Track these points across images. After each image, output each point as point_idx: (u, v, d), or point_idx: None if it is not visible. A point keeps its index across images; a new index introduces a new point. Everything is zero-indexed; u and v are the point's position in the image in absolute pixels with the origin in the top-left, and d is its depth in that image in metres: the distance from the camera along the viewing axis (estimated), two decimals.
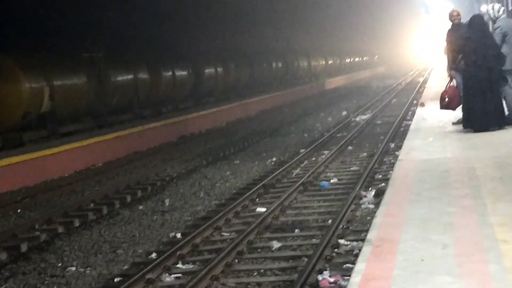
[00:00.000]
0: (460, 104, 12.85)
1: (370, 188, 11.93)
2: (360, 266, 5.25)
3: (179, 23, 30.31)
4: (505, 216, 6.25)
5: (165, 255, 8.81)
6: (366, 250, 5.64)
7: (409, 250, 5.49)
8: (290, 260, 8.58)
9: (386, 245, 5.70)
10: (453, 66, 12.63)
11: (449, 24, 13.97)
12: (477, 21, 12.08)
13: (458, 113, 13.81)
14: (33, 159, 16.33)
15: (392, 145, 16.68)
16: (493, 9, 13.03)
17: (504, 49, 12.10)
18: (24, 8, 20.79)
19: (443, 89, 13.28)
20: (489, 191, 7.29)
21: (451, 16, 13.59)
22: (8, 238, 10.94)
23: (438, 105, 13.51)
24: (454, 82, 13.01)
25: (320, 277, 7.57)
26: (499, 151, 9.82)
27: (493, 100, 11.79)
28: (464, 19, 14.71)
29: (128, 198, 13.54)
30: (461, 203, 6.89)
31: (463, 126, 12.24)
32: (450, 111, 13.92)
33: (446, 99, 12.90)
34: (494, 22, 12.61)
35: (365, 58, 74.91)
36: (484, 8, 14.29)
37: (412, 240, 5.75)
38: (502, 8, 13.21)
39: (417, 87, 37.56)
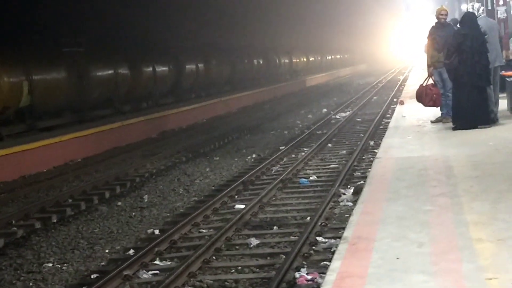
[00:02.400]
0: (431, 102, 13.04)
1: (349, 186, 11.95)
2: (335, 264, 5.26)
3: (161, 18, 30.24)
4: (481, 215, 6.30)
5: (142, 252, 8.78)
6: (342, 248, 5.66)
7: (384, 248, 5.51)
8: (268, 257, 8.58)
9: (362, 243, 5.71)
10: (446, 61, 12.60)
11: (432, 21, 13.96)
12: (471, 19, 12.16)
13: (436, 111, 13.92)
14: (11, 154, 16.21)
15: (372, 143, 16.72)
16: (472, 8, 13.11)
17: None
18: (3, 2, 20.64)
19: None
20: (466, 190, 7.34)
21: (439, 14, 13.54)
22: None
23: (417, 102, 13.67)
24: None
25: (297, 275, 7.58)
26: (477, 150, 9.88)
27: (488, 96, 11.97)
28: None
29: (107, 194, 13.49)
30: (438, 202, 6.93)
31: (453, 122, 12.29)
32: (429, 108, 14.08)
33: (422, 95, 13.12)
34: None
35: (346, 55, 75.08)
36: (464, 7, 14.38)
37: (388, 238, 5.78)
38: (482, 8, 13.30)
39: (397, 85, 37.69)
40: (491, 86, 12.47)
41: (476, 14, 12.83)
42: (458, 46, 11.90)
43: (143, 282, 8.12)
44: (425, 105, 13.39)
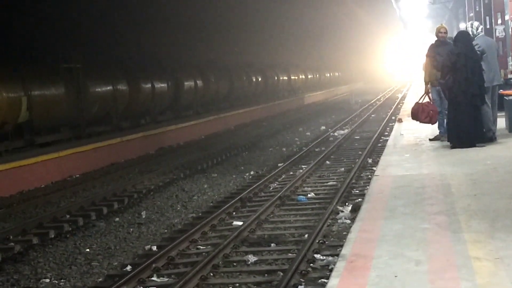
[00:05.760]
0: (427, 119, 13.08)
1: (347, 203, 11.95)
2: (333, 282, 5.26)
3: (160, 35, 30.33)
4: (479, 233, 6.30)
5: (140, 268, 8.77)
6: (340, 265, 5.66)
7: (382, 266, 5.51)
8: (266, 275, 8.57)
9: (360, 261, 5.71)
10: (441, 81, 12.63)
11: (430, 40, 13.99)
12: (464, 37, 12.21)
13: (435, 130, 13.95)
14: (9, 169, 16.21)
15: (370, 161, 16.73)
16: (471, 26, 13.17)
17: (482, 67, 12.25)
18: (1, 18, 20.71)
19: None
20: (463, 208, 7.34)
21: (438, 32, 13.58)
22: None
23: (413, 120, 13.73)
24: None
25: None
26: (474, 168, 9.89)
27: (483, 115, 12.00)
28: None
29: (105, 210, 13.48)
30: (435, 220, 6.93)
31: (449, 141, 12.31)
32: (427, 127, 14.12)
33: (418, 111, 13.15)
34: (472, 39, 12.73)
35: (344, 73, 75.23)
36: (462, 25, 14.43)
37: (385, 256, 5.78)
38: (480, 26, 13.36)
39: (396, 103, 37.76)
40: (489, 105, 12.51)
41: (475, 32, 12.89)
42: (452, 65, 11.95)
43: None
44: (421, 121, 13.43)
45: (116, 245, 10.96)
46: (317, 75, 59.18)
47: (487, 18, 21.82)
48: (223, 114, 31.81)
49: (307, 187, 14.26)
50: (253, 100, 39.47)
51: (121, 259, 10.09)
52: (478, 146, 11.87)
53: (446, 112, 13.01)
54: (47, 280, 9.28)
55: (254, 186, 14.26)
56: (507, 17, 20.46)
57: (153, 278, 8.73)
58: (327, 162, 17.65)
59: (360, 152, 18.66)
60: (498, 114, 13.54)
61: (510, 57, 19.97)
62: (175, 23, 31.18)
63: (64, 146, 19.65)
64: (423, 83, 13.86)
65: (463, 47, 11.96)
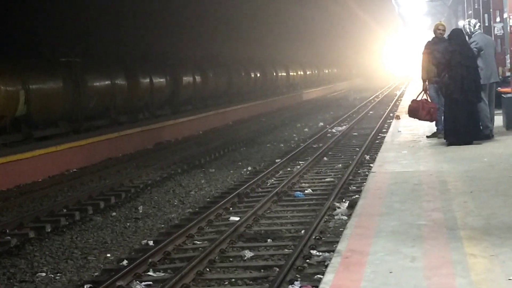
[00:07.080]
0: (428, 116, 13.05)
1: (344, 200, 11.96)
2: (328, 277, 5.26)
3: (159, 30, 30.32)
4: (474, 230, 6.31)
5: (136, 263, 8.78)
6: (336, 261, 5.66)
7: (377, 262, 5.52)
8: (262, 270, 8.58)
9: (355, 257, 5.72)
10: (437, 79, 12.65)
11: (430, 37, 13.98)
12: (458, 35, 12.23)
13: (432, 127, 13.95)
14: (7, 163, 16.20)
15: (367, 157, 16.74)
16: (469, 24, 13.17)
17: (479, 64, 12.26)
18: (0, 12, 20.70)
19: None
20: (460, 205, 7.35)
21: (436, 29, 13.59)
22: None
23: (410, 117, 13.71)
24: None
25: None
26: (471, 165, 9.90)
27: (480, 111, 12.01)
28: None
29: (102, 204, 13.47)
30: (431, 217, 6.94)
31: (445, 138, 12.31)
32: (425, 124, 14.10)
33: (418, 109, 13.12)
34: (469, 37, 12.75)
35: (343, 69, 75.19)
36: (461, 23, 14.42)
37: (381, 252, 5.79)
38: (478, 24, 13.36)
39: (394, 100, 37.77)
40: (486, 102, 12.52)
41: (472, 30, 12.89)
42: (447, 63, 11.96)
43: None
44: (421, 119, 13.42)
45: (113, 239, 10.96)
46: (316, 71, 59.12)
47: (486, 15, 21.81)
48: (221, 110, 31.80)
49: (305, 183, 14.26)
50: (251, 95, 39.45)
51: (118, 253, 10.10)
52: (475, 144, 11.88)
53: (443, 109, 13.02)
54: (43, 274, 9.29)
55: (251, 181, 14.26)
56: (505, 15, 20.43)
57: (149, 273, 8.74)
58: (325, 158, 17.65)
59: (357, 149, 18.66)
60: (496, 111, 13.54)
61: (508, 55, 19.97)
62: (174, 18, 31.16)
63: (62, 140, 19.64)
64: (421, 80, 13.85)
65: (457, 45, 11.96)
